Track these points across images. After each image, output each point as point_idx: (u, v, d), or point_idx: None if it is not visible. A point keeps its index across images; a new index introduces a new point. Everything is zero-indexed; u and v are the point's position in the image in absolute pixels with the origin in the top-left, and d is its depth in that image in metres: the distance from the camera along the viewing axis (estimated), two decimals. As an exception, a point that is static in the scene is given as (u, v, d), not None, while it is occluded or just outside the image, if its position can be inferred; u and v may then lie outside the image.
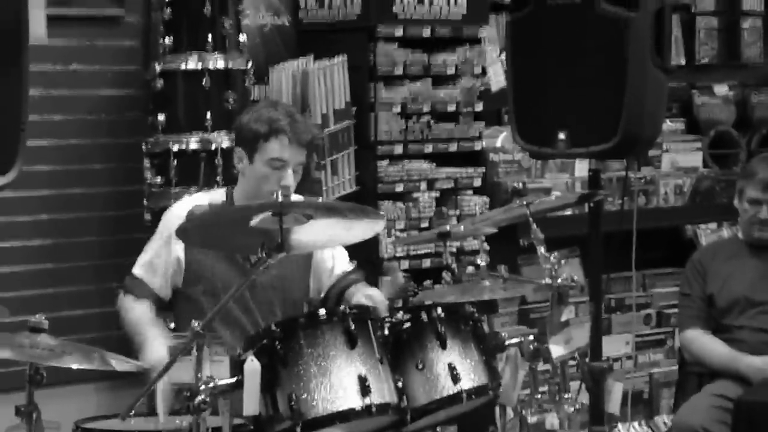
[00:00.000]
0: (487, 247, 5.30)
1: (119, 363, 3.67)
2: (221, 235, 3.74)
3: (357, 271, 4.53)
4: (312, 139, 4.36)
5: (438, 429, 3.96)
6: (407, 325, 3.84)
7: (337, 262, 4.50)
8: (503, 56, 5.97)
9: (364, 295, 4.29)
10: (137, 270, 4.39)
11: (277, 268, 4.19)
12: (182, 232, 3.74)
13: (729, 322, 5.19)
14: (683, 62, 6.97)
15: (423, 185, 5.81)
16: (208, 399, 3.43)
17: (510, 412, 4.07)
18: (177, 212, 4.35)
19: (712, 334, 5.14)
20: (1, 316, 3.88)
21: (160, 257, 4.35)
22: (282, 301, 4.38)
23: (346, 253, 4.54)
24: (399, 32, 5.75)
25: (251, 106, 4.58)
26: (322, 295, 4.49)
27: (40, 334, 3.58)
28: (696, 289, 5.26)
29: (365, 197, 5.57)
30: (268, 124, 4.28)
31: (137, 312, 4.30)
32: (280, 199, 3.53)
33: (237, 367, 3.52)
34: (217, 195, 4.49)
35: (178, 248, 4.32)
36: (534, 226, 4.33)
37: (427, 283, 5.68)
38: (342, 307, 3.74)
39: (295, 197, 4.35)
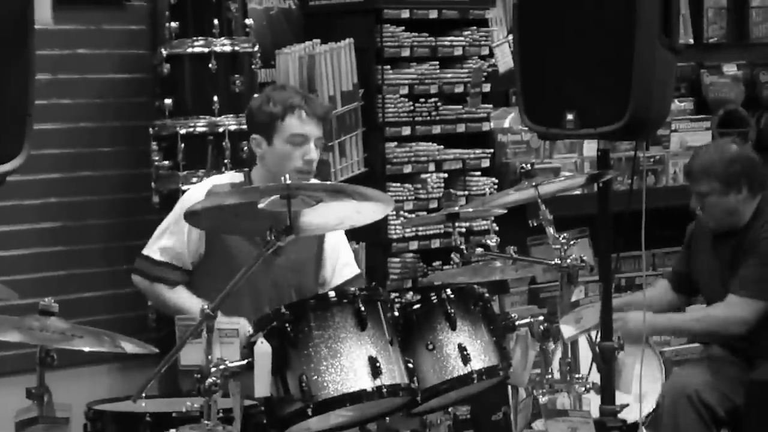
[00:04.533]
0: (496, 228, 5.31)
1: (129, 345, 3.68)
2: (231, 219, 3.74)
3: (361, 277, 4.59)
4: (327, 113, 4.40)
5: (450, 410, 3.97)
6: (417, 306, 3.84)
7: (345, 260, 4.52)
8: (510, 37, 5.96)
9: None
10: (158, 254, 4.39)
11: (293, 253, 4.22)
12: (191, 217, 3.75)
13: None
14: (692, 41, 6.95)
15: (431, 166, 5.80)
16: (218, 381, 3.43)
17: (522, 393, 4.06)
18: (196, 194, 4.36)
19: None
20: (10, 299, 3.88)
21: (179, 238, 4.37)
22: (296, 287, 4.39)
23: (352, 254, 4.60)
24: (405, 14, 5.74)
25: (258, 93, 4.59)
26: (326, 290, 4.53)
27: (50, 317, 3.59)
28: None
29: (373, 179, 5.56)
30: (282, 103, 4.32)
31: (182, 301, 4.33)
32: (289, 181, 3.53)
33: (248, 349, 3.53)
34: (234, 177, 4.49)
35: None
36: (543, 206, 4.32)
37: (437, 264, 5.69)
38: (352, 288, 3.74)
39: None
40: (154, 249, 4.43)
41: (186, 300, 4.35)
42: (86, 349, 3.56)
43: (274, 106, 4.33)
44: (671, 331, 5.11)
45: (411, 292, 4.00)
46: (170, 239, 4.40)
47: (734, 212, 5.17)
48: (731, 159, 5.19)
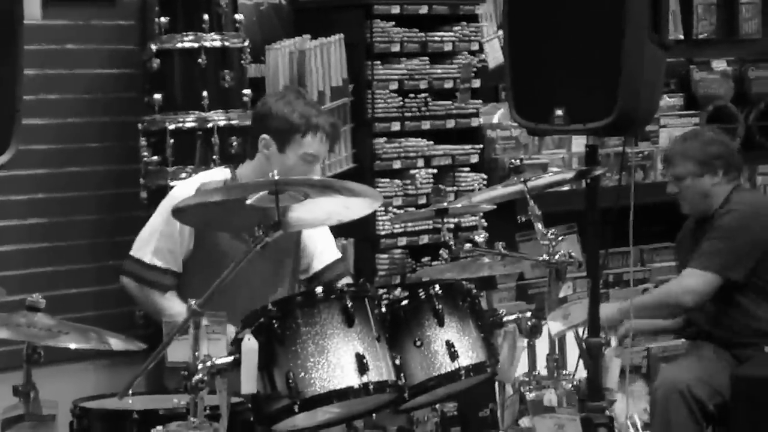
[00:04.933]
0: (485, 224, 5.31)
1: (116, 342, 3.67)
2: (219, 216, 3.73)
3: (343, 261, 4.64)
4: (339, 134, 4.45)
5: (437, 406, 3.97)
6: (405, 302, 3.85)
7: (324, 246, 4.54)
8: (500, 33, 5.95)
9: None
10: (150, 257, 4.38)
11: (274, 248, 4.21)
12: (179, 213, 3.74)
13: None
14: (681, 37, 6.96)
15: (420, 162, 5.80)
16: (205, 378, 3.43)
17: (509, 390, 4.07)
18: (184, 191, 4.34)
19: None
20: (-1, 296, 3.88)
21: (171, 237, 4.35)
22: (275, 280, 4.39)
23: (333, 239, 4.62)
24: (396, 10, 5.73)
25: (277, 93, 4.58)
26: (308, 276, 4.53)
27: (37, 313, 3.59)
28: None
29: (363, 174, 5.56)
30: (306, 118, 4.33)
31: (172, 308, 4.32)
32: (276, 177, 3.53)
33: (234, 346, 3.53)
34: (220, 174, 4.49)
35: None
36: (531, 202, 4.33)
37: (425, 259, 5.69)
38: (339, 284, 3.74)
39: None
40: (145, 251, 4.41)
41: (176, 307, 4.33)
42: (73, 345, 3.56)
43: (299, 118, 4.33)
44: (634, 309, 5.15)
45: (399, 289, 3.99)
46: (162, 240, 4.38)
47: (709, 195, 5.29)
48: (707, 141, 5.36)
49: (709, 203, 5.29)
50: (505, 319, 4.04)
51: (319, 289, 3.70)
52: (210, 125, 5.24)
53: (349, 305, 3.61)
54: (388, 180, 5.69)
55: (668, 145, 5.41)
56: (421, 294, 3.86)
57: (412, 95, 5.79)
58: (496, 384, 4.08)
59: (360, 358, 3.55)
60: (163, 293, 4.40)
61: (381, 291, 3.85)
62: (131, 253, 4.46)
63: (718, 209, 5.29)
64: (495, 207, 4.76)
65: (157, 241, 4.40)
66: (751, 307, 5.23)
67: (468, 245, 4.37)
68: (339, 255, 4.66)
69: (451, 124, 5.91)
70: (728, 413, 5.16)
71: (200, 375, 3.42)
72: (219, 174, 4.52)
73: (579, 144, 5.96)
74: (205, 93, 5.25)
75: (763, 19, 7.20)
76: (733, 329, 5.24)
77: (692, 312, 5.33)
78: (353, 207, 3.74)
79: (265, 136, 4.38)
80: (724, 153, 5.33)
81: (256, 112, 4.52)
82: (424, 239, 5.74)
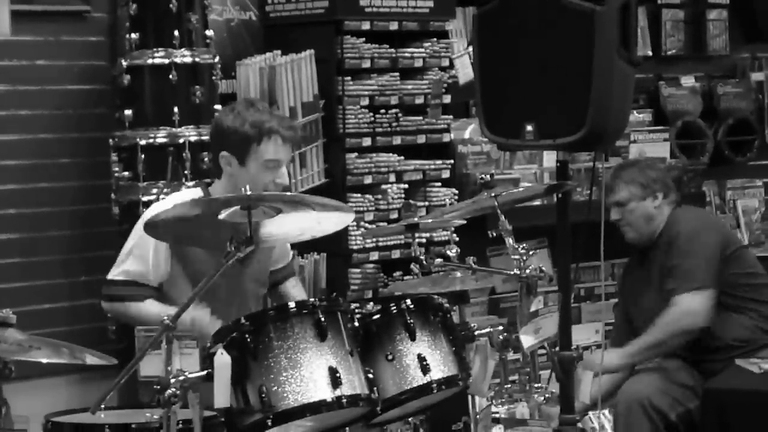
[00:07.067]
0: (456, 238, 5.33)
1: (88, 356, 3.67)
2: (192, 231, 3.73)
3: (290, 264, 4.61)
4: (299, 138, 4.40)
5: (410, 420, 3.98)
6: (377, 316, 3.85)
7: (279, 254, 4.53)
8: (470, 49, 5.99)
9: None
10: (122, 276, 4.34)
11: (257, 263, 4.21)
12: (151, 229, 3.73)
13: None
14: (650, 53, 7.02)
15: (391, 177, 5.82)
16: (178, 392, 3.43)
17: (483, 403, 4.08)
18: (157, 211, 4.31)
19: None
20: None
21: (143, 258, 4.31)
22: (259, 297, 4.39)
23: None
24: (366, 26, 5.75)
25: (227, 108, 4.52)
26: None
27: (8, 328, 3.57)
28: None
29: (334, 189, 5.57)
30: (258, 126, 4.26)
31: (153, 309, 4.27)
32: (249, 192, 3.53)
33: (207, 360, 3.53)
34: (192, 194, 4.47)
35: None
36: (502, 217, 4.35)
37: (397, 274, 5.71)
38: (313, 299, 3.75)
39: None
40: (117, 273, 4.36)
41: (154, 309, 4.26)
42: (44, 360, 3.55)
43: (250, 128, 4.26)
44: (638, 353, 5.19)
45: (371, 303, 4.00)
46: (134, 263, 4.33)
47: (652, 217, 5.37)
48: (645, 166, 5.52)
49: (653, 226, 5.38)
50: (476, 333, 4.05)
51: (291, 304, 3.71)
52: (181, 141, 5.24)
53: (322, 319, 3.62)
54: (359, 195, 5.71)
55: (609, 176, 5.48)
56: (393, 308, 3.86)
57: (383, 111, 5.81)
58: (469, 397, 4.09)
59: (333, 372, 3.56)
60: (141, 302, 4.34)
61: (353, 305, 3.86)
62: (106, 277, 4.42)
63: (662, 231, 5.35)
64: (466, 222, 4.79)
65: (129, 263, 4.35)
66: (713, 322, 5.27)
67: (439, 260, 4.39)
68: (290, 257, 4.64)
69: (422, 139, 5.93)
70: (693, 422, 5.21)
71: (173, 389, 3.42)
72: (191, 194, 4.49)
73: (550, 159, 6.00)
74: (176, 109, 5.25)
75: (730, 35, 7.27)
76: (700, 346, 5.29)
77: None
78: (325, 222, 3.74)
79: (224, 153, 4.33)
80: (661, 176, 5.48)
81: (211, 131, 4.48)
82: (396, 254, 5.75)
